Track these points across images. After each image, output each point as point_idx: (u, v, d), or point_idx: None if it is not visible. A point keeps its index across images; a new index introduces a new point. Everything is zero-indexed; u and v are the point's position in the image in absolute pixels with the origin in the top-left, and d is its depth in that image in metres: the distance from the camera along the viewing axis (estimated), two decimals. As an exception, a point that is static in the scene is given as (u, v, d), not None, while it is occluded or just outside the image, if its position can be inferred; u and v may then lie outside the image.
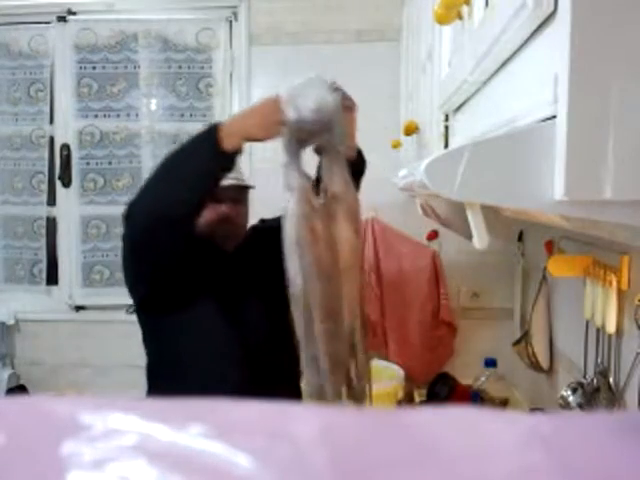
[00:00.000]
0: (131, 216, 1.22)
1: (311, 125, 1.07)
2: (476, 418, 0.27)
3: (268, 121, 1.13)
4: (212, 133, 1.15)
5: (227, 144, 1.12)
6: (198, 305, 1.34)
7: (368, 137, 2.35)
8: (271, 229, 1.26)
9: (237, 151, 1.15)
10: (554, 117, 0.49)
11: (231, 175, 1.34)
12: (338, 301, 1.08)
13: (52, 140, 2.55)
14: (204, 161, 1.15)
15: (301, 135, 1.08)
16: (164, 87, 2.47)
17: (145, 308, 1.39)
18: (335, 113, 1.11)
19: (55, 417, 0.25)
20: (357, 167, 1.35)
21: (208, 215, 1.34)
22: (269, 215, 1.53)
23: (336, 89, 1.16)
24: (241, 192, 1.45)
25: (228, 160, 1.15)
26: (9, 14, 2.49)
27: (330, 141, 1.12)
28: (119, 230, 2.52)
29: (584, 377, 1.38)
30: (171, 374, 1.37)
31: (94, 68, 2.50)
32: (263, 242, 1.41)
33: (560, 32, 0.47)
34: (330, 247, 1.07)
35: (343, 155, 1.13)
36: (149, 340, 1.44)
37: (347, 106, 1.21)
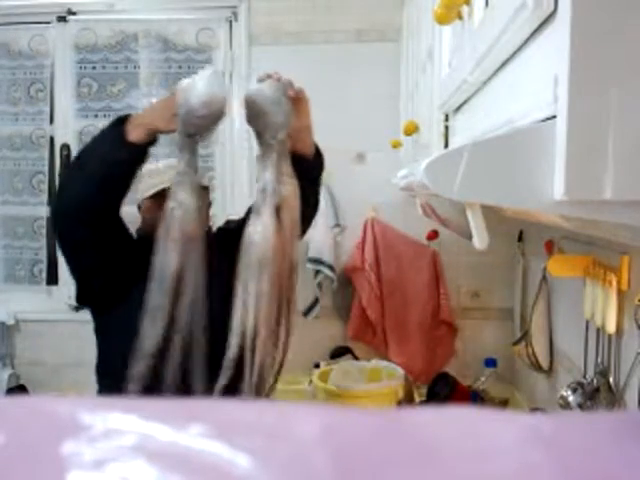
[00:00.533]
0: (53, 215, 1.27)
1: (197, 118, 1.08)
2: (476, 418, 0.27)
3: (167, 113, 1.15)
4: (118, 125, 1.19)
5: (132, 135, 1.16)
6: (129, 304, 1.27)
7: (368, 137, 2.37)
8: (228, 232, 1.27)
9: (145, 143, 1.18)
10: (554, 117, 0.49)
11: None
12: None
13: (52, 140, 2.55)
14: (111, 152, 1.18)
15: (189, 128, 1.09)
16: (164, 87, 2.47)
17: (81, 302, 1.44)
18: (266, 103, 1.12)
19: (55, 417, 0.25)
20: (311, 163, 1.31)
21: (158, 219, 1.32)
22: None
23: (278, 80, 1.17)
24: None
25: (135, 151, 1.17)
26: (9, 14, 2.49)
27: (262, 132, 1.13)
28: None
29: (584, 377, 1.38)
30: (110, 372, 1.36)
31: (94, 68, 2.50)
32: (220, 244, 1.39)
33: (560, 32, 0.47)
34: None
35: (282, 147, 1.13)
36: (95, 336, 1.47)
37: (295, 97, 1.19)
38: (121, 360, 1.16)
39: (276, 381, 1.26)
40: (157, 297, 1.10)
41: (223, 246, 1.31)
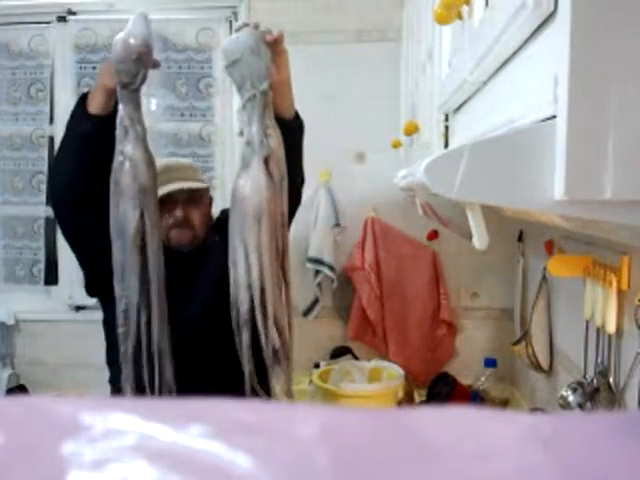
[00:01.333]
0: (51, 204, 1.31)
1: (123, 63, 1.07)
2: (476, 418, 0.27)
3: (109, 69, 1.16)
4: (81, 99, 1.22)
5: (92, 106, 1.18)
6: None
7: (368, 137, 2.37)
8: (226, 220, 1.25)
9: (107, 111, 1.18)
10: (554, 117, 0.49)
11: (181, 176, 1.39)
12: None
13: (52, 140, 2.55)
14: (77, 128, 1.21)
15: (121, 77, 1.08)
16: (164, 87, 2.47)
17: (90, 292, 1.43)
18: (244, 52, 1.09)
19: (55, 417, 0.25)
20: (290, 124, 1.26)
21: (163, 221, 1.33)
22: None
23: (255, 27, 1.13)
24: (193, 194, 1.43)
25: (97, 122, 1.18)
26: (9, 14, 2.49)
27: (242, 83, 1.09)
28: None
29: (584, 377, 1.38)
30: (113, 363, 1.36)
31: (94, 68, 2.49)
32: (220, 231, 1.39)
33: (560, 32, 0.47)
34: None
35: (265, 98, 1.10)
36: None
37: (274, 48, 1.15)
38: (118, 352, 1.15)
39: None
40: (122, 253, 1.09)
41: (222, 233, 1.30)
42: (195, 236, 1.42)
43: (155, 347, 1.12)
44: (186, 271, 1.41)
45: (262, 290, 1.09)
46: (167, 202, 1.34)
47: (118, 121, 1.08)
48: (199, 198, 1.44)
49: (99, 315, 2.55)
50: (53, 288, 2.61)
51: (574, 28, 0.45)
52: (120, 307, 1.11)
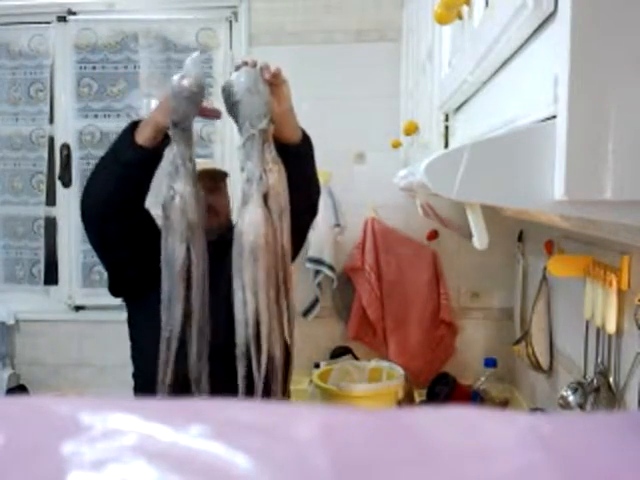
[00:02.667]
0: (81, 215, 1.33)
1: (178, 102, 1.10)
2: (476, 418, 0.27)
3: (164, 106, 1.19)
4: (130, 129, 1.25)
5: (140, 137, 1.22)
6: (158, 292, 1.29)
7: (368, 137, 2.37)
8: None
9: (154, 144, 1.22)
10: (554, 117, 0.49)
11: (201, 161, 1.41)
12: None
13: (52, 140, 2.55)
14: (122, 155, 1.24)
15: (174, 115, 1.11)
16: (164, 87, 2.47)
17: (113, 293, 1.47)
18: (242, 92, 1.12)
19: (55, 417, 0.25)
20: (298, 148, 1.28)
21: None
22: None
23: (253, 66, 1.16)
24: (217, 180, 1.49)
25: (143, 153, 1.21)
26: (9, 14, 2.49)
27: (242, 122, 1.13)
28: (119, 230, 2.53)
29: (584, 377, 1.38)
30: (143, 359, 1.39)
31: (94, 68, 2.50)
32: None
33: (560, 32, 0.47)
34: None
35: (265, 135, 1.13)
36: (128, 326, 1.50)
37: (272, 82, 1.18)
38: (153, 347, 1.19)
39: (287, 379, 1.28)
40: (169, 284, 1.13)
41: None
42: (220, 224, 1.47)
43: (192, 378, 1.16)
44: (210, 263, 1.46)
45: (257, 325, 1.12)
46: None
47: (170, 159, 1.12)
48: (221, 186, 1.50)
49: (99, 315, 2.57)
50: (53, 288, 2.61)
51: (574, 28, 0.45)
52: (164, 335, 1.15)
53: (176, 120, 1.11)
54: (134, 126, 1.26)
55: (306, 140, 1.32)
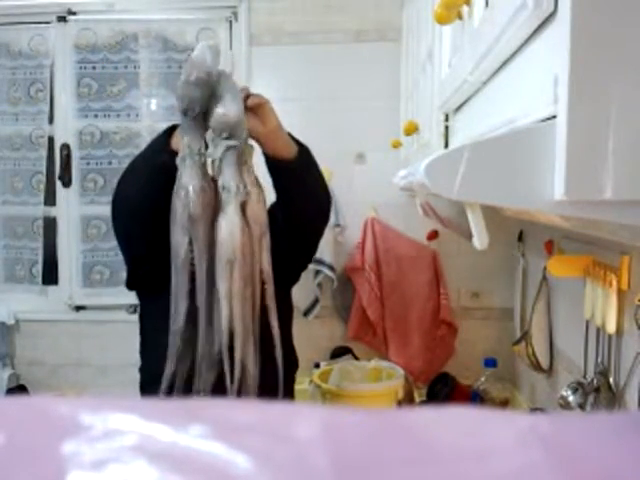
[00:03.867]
0: (111, 212, 1.34)
1: (186, 88, 1.07)
2: (476, 418, 0.27)
3: None
4: (166, 132, 1.24)
5: (175, 142, 1.19)
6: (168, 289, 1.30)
7: (368, 137, 2.37)
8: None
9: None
10: (554, 117, 0.49)
11: None
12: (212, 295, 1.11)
13: (52, 140, 2.55)
14: (155, 158, 1.23)
15: (183, 103, 1.08)
16: (164, 87, 2.47)
17: (130, 287, 1.49)
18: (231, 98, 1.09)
19: (55, 417, 0.25)
20: (293, 163, 1.26)
21: None
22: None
23: (240, 89, 1.15)
24: None
25: (175, 157, 1.19)
26: (9, 14, 2.49)
27: (236, 140, 1.10)
28: (119, 230, 2.53)
29: (584, 377, 1.38)
30: (152, 354, 1.40)
31: (94, 68, 2.50)
32: None
33: (560, 32, 0.47)
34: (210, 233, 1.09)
35: (247, 152, 1.12)
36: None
37: (255, 104, 1.18)
38: (163, 342, 1.19)
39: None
40: (175, 277, 1.13)
41: None
42: None
43: (197, 376, 1.15)
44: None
45: (231, 335, 1.11)
46: None
47: (180, 149, 1.11)
48: None
49: (99, 315, 2.57)
50: (53, 288, 2.61)
51: (574, 28, 0.45)
52: (172, 328, 1.15)
53: (184, 107, 1.08)
54: (171, 131, 1.24)
55: (303, 153, 1.30)
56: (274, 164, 1.24)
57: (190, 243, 1.11)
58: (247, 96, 1.19)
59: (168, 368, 1.16)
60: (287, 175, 1.23)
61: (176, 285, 1.14)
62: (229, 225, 1.10)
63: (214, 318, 1.13)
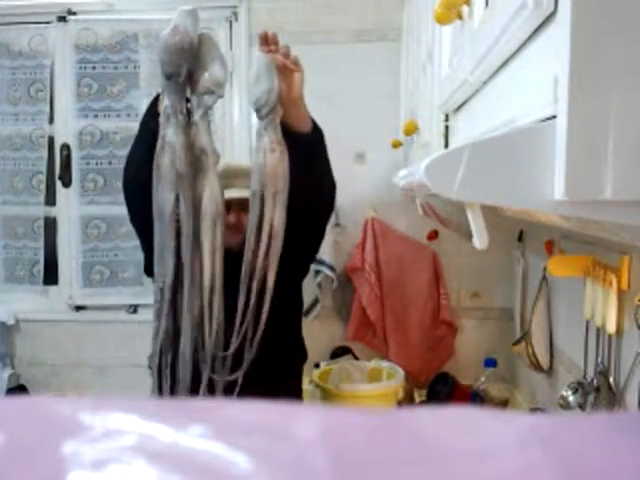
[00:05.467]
0: (123, 190, 1.36)
1: (165, 54, 1.10)
2: (476, 418, 0.27)
3: None
4: (154, 100, 1.25)
5: (161, 106, 1.20)
6: None
7: (368, 137, 2.37)
8: None
9: None
10: (554, 117, 0.49)
11: (236, 184, 1.46)
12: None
13: (52, 140, 2.55)
14: (146, 124, 1.25)
15: (164, 67, 1.11)
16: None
17: (148, 273, 1.47)
18: (263, 68, 1.17)
19: (55, 417, 0.25)
20: (307, 137, 1.29)
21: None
22: None
23: (269, 51, 1.21)
24: (246, 200, 1.48)
25: None
26: (9, 14, 2.49)
27: (256, 98, 1.16)
28: (119, 230, 2.53)
29: (584, 377, 1.38)
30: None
31: (94, 68, 2.50)
32: None
33: (560, 32, 0.47)
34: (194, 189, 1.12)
35: (276, 111, 1.16)
36: None
37: (286, 67, 1.22)
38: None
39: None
40: (160, 234, 1.14)
41: None
42: (243, 239, 1.48)
43: (185, 327, 1.16)
44: (231, 270, 1.47)
45: (210, 293, 1.14)
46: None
47: (162, 109, 1.12)
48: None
49: (99, 315, 2.57)
50: (53, 288, 2.61)
51: (574, 28, 0.45)
52: (157, 285, 1.16)
53: (168, 73, 1.10)
54: (157, 99, 1.26)
55: (317, 131, 1.33)
56: (287, 132, 1.24)
57: (176, 199, 1.12)
58: (286, 55, 1.23)
59: (161, 324, 1.16)
60: (296, 147, 1.23)
61: (161, 241, 1.14)
62: (211, 186, 1.13)
63: (196, 275, 1.15)
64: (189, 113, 1.13)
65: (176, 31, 1.08)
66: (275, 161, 1.15)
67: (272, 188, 1.16)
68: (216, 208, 1.14)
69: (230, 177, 1.48)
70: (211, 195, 1.13)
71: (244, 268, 1.20)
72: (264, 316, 1.18)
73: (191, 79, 1.13)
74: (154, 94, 1.29)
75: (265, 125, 1.16)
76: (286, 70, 1.22)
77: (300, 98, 1.26)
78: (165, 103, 1.11)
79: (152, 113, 1.25)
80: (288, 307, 1.32)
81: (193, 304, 1.15)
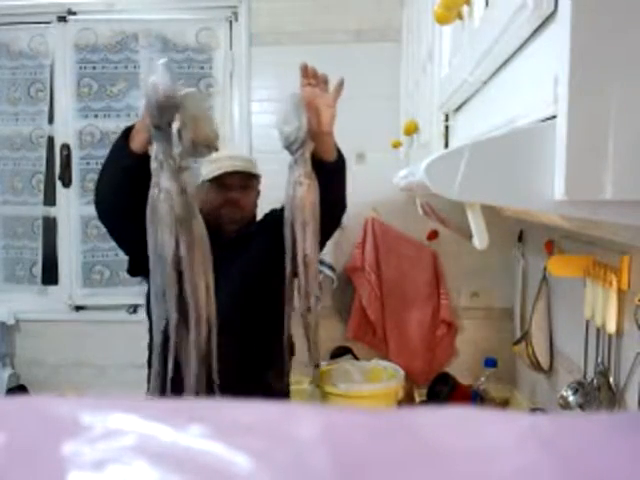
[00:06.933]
0: (95, 209, 1.40)
1: (151, 108, 1.12)
2: (476, 418, 0.27)
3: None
4: (123, 134, 1.29)
5: (134, 144, 1.25)
6: None
7: (368, 137, 2.37)
8: (275, 222, 1.38)
9: (147, 149, 1.23)
10: (554, 117, 0.49)
11: (239, 163, 1.57)
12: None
13: (52, 140, 2.55)
14: (119, 161, 1.29)
15: (152, 119, 1.14)
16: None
17: (131, 274, 1.57)
18: (280, 114, 1.22)
19: (55, 417, 0.25)
20: (331, 166, 1.35)
21: (216, 199, 1.54)
22: (267, 203, 1.68)
23: (305, 70, 1.28)
24: (249, 179, 1.60)
25: (137, 158, 1.24)
26: (9, 14, 2.49)
27: (286, 136, 1.23)
28: (119, 230, 2.53)
29: (584, 377, 1.38)
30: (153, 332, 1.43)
31: (94, 68, 2.50)
32: (266, 235, 1.55)
33: (560, 32, 0.47)
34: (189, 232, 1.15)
35: (307, 147, 1.24)
36: None
37: (310, 99, 1.28)
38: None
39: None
40: (161, 277, 1.16)
41: (267, 230, 1.53)
42: (243, 217, 1.59)
43: (192, 363, 1.18)
44: (228, 255, 1.55)
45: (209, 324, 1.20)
46: (224, 184, 1.54)
47: (153, 156, 1.15)
48: (252, 185, 1.61)
49: (99, 315, 2.57)
50: (53, 288, 2.61)
51: (574, 28, 0.45)
52: (159, 327, 1.17)
53: (155, 124, 1.14)
54: (128, 132, 1.29)
55: (340, 160, 1.40)
56: (312, 161, 1.30)
57: (176, 244, 1.15)
58: (324, 89, 1.31)
59: (168, 361, 1.18)
60: (319, 174, 1.29)
61: (162, 284, 1.16)
62: (201, 228, 1.19)
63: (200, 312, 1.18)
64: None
65: (155, 89, 1.11)
66: (303, 193, 1.23)
67: (301, 218, 1.24)
68: (207, 248, 1.19)
69: (235, 159, 1.59)
70: (202, 236, 1.19)
71: (287, 295, 1.32)
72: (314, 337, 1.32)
73: (183, 128, 1.17)
74: (127, 125, 1.33)
75: (296, 159, 1.24)
76: (321, 105, 1.29)
77: (328, 134, 1.34)
78: (155, 149, 1.14)
79: (121, 150, 1.29)
80: (280, 307, 1.38)
81: (200, 340, 1.19)
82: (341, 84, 1.32)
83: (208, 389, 1.20)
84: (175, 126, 1.13)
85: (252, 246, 1.59)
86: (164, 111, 1.12)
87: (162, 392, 1.19)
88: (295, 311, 1.35)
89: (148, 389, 1.47)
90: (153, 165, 1.14)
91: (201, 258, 1.17)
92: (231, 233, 1.58)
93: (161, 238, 1.14)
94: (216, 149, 1.21)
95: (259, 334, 1.55)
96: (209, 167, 1.58)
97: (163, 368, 1.17)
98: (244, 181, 1.59)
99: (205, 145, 1.18)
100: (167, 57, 2.43)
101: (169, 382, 1.18)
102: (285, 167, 1.29)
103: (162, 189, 1.13)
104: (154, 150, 1.14)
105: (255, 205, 1.66)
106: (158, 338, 1.17)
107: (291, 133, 1.23)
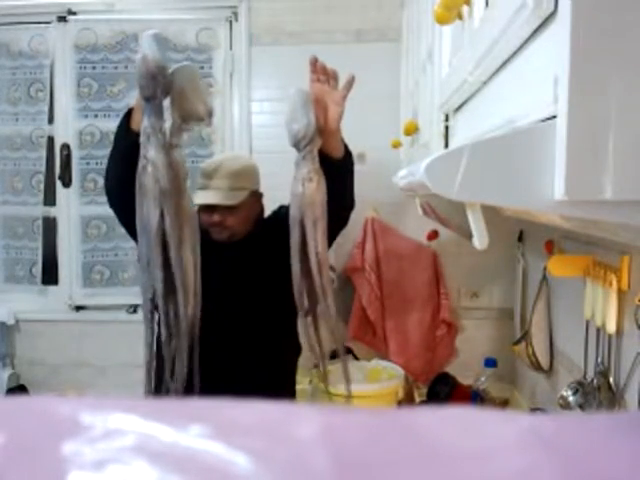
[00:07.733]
0: (106, 196, 1.41)
1: (141, 79, 1.12)
2: (476, 418, 0.27)
3: None
4: (125, 115, 1.30)
5: (134, 123, 1.26)
6: None
7: (368, 137, 2.37)
8: (279, 221, 1.38)
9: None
10: (554, 117, 0.49)
11: (215, 192, 1.52)
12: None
13: (52, 140, 2.55)
14: (121, 140, 1.30)
15: (142, 91, 1.14)
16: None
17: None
18: (287, 110, 1.21)
19: (55, 417, 0.25)
20: (338, 162, 1.33)
21: (203, 222, 1.48)
22: (266, 202, 1.66)
23: (314, 64, 1.28)
24: (226, 209, 1.55)
25: (137, 137, 1.23)
26: (9, 14, 2.49)
27: (294, 133, 1.21)
28: (119, 230, 2.53)
29: (584, 377, 1.38)
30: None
31: (94, 68, 2.50)
32: (269, 236, 1.54)
33: (560, 32, 0.47)
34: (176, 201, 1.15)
35: (315, 142, 1.21)
36: None
37: (317, 94, 1.26)
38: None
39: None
40: (146, 248, 1.17)
41: (273, 230, 1.48)
42: (233, 234, 1.57)
43: (180, 334, 1.19)
44: (223, 261, 1.55)
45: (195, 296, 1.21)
46: (208, 207, 1.51)
47: (142, 129, 1.15)
48: (237, 205, 1.55)
49: (99, 315, 2.57)
50: (53, 288, 2.61)
51: (574, 28, 0.45)
52: (147, 295, 1.18)
53: (147, 96, 1.14)
54: (129, 113, 1.30)
55: (348, 157, 1.38)
56: (320, 158, 1.29)
57: (161, 216, 1.15)
58: (333, 86, 1.30)
59: (160, 331, 1.20)
60: (327, 172, 1.28)
61: (148, 255, 1.17)
62: (188, 202, 1.19)
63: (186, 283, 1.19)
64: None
65: (144, 60, 1.11)
66: (312, 190, 1.21)
67: (311, 216, 1.21)
68: (195, 227, 1.20)
69: (214, 177, 1.53)
70: (191, 213, 1.20)
71: (297, 296, 1.30)
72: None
73: (173, 103, 1.17)
74: (124, 112, 1.33)
75: (303, 155, 1.22)
76: (329, 101, 1.28)
77: (336, 131, 1.31)
78: (144, 123, 1.15)
79: (123, 130, 1.30)
80: (287, 307, 1.37)
81: (186, 310, 1.19)
82: (351, 81, 1.30)
83: (194, 366, 1.21)
84: (166, 102, 1.14)
85: (259, 246, 1.58)
86: (152, 81, 1.12)
87: (156, 368, 1.21)
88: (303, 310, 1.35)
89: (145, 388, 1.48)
90: (142, 138, 1.14)
91: (189, 234, 1.18)
92: (233, 238, 1.58)
93: (147, 209, 1.15)
94: (208, 125, 1.21)
95: (268, 335, 1.56)
96: (198, 184, 1.55)
97: (152, 337, 1.19)
98: (225, 210, 1.54)
99: (195, 119, 1.17)
100: (166, 55, 2.45)
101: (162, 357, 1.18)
102: (284, 167, 1.29)
103: (149, 161, 1.14)
104: (143, 123, 1.15)
105: (248, 219, 1.60)
106: (147, 308, 1.19)
107: (299, 130, 1.22)
